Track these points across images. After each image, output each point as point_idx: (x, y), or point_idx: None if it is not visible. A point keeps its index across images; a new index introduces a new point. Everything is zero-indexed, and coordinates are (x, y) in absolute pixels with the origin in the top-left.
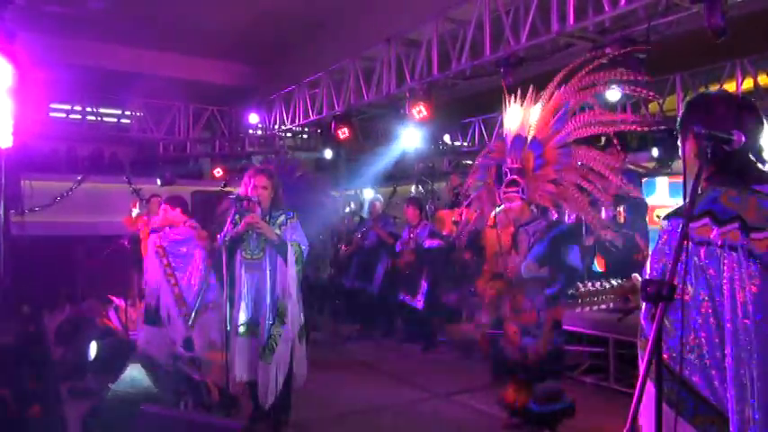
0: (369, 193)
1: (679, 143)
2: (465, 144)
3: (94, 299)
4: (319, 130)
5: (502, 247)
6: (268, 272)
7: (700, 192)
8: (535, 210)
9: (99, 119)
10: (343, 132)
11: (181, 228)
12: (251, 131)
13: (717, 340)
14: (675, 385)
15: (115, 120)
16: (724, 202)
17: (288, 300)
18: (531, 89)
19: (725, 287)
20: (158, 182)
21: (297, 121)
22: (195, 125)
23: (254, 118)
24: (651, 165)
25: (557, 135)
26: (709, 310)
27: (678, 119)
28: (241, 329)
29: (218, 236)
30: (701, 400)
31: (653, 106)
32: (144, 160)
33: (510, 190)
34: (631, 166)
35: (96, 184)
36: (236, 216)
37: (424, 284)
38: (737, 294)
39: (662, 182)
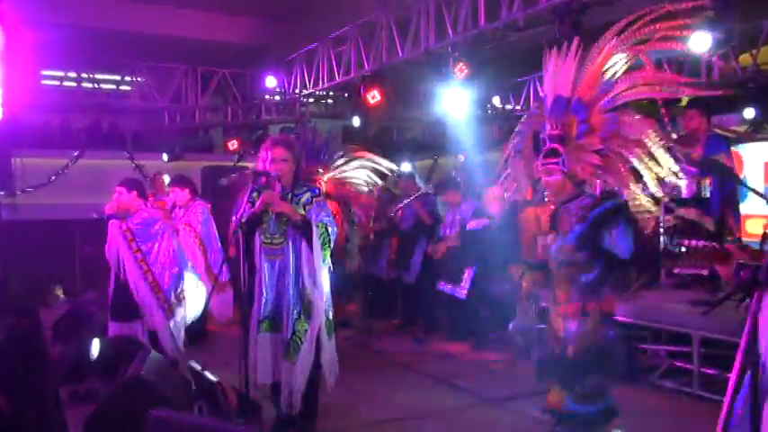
0: (405, 167)
1: None
2: (518, 107)
3: (95, 290)
4: (346, 94)
5: (540, 228)
6: (291, 258)
7: None
8: (584, 185)
9: (96, 86)
10: (374, 96)
11: (146, 210)
12: (268, 97)
13: None
14: None
15: (114, 87)
16: None
17: (314, 291)
18: (576, 41)
19: None
20: (164, 157)
21: (320, 83)
22: (205, 91)
23: (271, 81)
24: (743, 129)
25: (605, 96)
26: None
27: None
28: (263, 325)
29: (233, 217)
30: None
31: (744, 59)
32: (147, 132)
33: (549, 161)
34: (718, 131)
35: (95, 160)
36: (254, 194)
37: (468, 271)
38: None
39: (756, 150)
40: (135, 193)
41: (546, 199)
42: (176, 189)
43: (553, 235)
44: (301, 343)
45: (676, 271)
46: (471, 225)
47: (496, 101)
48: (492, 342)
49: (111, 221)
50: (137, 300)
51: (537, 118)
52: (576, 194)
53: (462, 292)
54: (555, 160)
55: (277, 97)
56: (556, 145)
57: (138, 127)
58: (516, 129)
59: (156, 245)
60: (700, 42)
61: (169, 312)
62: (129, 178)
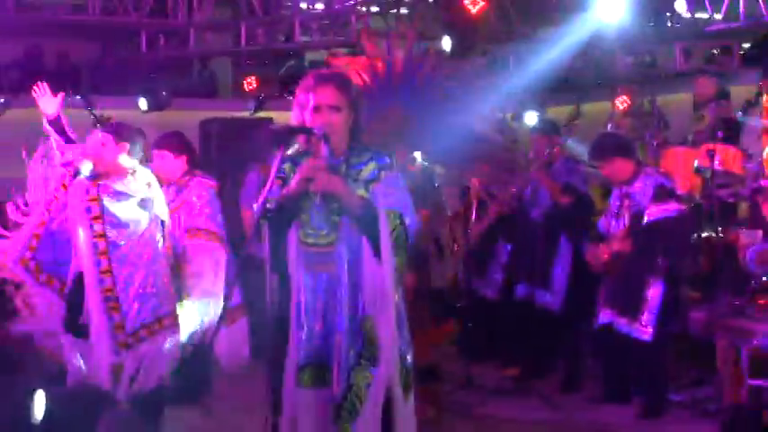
0: (529, 118)
1: None
2: (717, 17)
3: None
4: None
5: None
6: (346, 268)
7: None
8: None
9: None
10: (476, 3)
11: (131, 178)
12: (305, 6)
13: None
14: None
15: None
16: None
17: (380, 318)
18: None
19: None
20: (141, 103)
21: None
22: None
23: None
24: None
25: None
26: None
27: None
28: (302, 375)
29: (254, 202)
30: None
31: None
32: (114, 66)
33: None
34: None
35: (32, 109)
36: (285, 165)
37: (652, 294)
38: None
39: None
40: (126, 146)
41: None
42: (165, 154)
43: None
44: (361, 403)
45: None
46: (652, 213)
47: (681, 6)
48: (675, 407)
49: (76, 179)
50: (85, 310)
51: None
52: None
53: (644, 330)
54: None
55: (319, 6)
56: None
57: (99, 57)
58: None
59: (133, 236)
60: None
61: (121, 347)
62: (122, 124)
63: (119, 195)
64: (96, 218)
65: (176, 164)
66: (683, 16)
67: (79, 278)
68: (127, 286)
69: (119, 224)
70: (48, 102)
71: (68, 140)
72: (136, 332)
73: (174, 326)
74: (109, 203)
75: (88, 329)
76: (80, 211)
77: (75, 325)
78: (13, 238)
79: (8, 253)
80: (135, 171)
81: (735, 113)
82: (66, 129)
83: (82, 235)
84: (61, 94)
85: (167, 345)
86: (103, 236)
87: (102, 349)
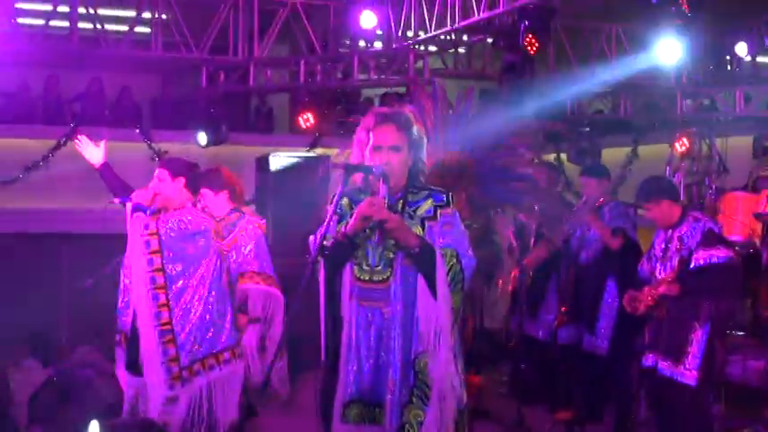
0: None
1: None
2: None
3: (92, 344)
4: (489, 40)
5: None
6: (400, 305)
7: None
8: None
9: (98, 27)
10: (532, 43)
11: (189, 211)
12: (363, 44)
13: None
14: None
15: (125, 28)
16: None
17: (436, 357)
18: None
19: None
20: (200, 138)
21: (447, 23)
22: (263, 35)
23: (369, 19)
24: None
25: None
26: None
27: None
28: (348, 411)
29: (311, 238)
30: None
31: None
32: (174, 100)
33: None
34: None
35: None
36: (343, 201)
37: (697, 339)
38: None
39: None
40: (182, 180)
41: None
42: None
43: None
44: None
45: None
46: (700, 257)
47: (741, 50)
48: None
49: (135, 215)
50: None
51: None
52: None
53: (688, 374)
54: None
55: (377, 45)
56: None
57: (159, 91)
58: None
59: (191, 270)
60: None
61: (175, 380)
62: (177, 159)
63: (177, 229)
64: (155, 252)
65: (218, 199)
66: (743, 60)
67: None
68: (184, 320)
69: (177, 258)
70: (92, 151)
71: (122, 187)
72: (191, 366)
73: (233, 360)
74: (167, 237)
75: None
76: (139, 245)
77: (134, 362)
78: None
79: None
80: (193, 204)
81: None
82: (114, 174)
83: (140, 269)
84: (103, 142)
85: (226, 379)
86: (162, 270)
87: (156, 382)
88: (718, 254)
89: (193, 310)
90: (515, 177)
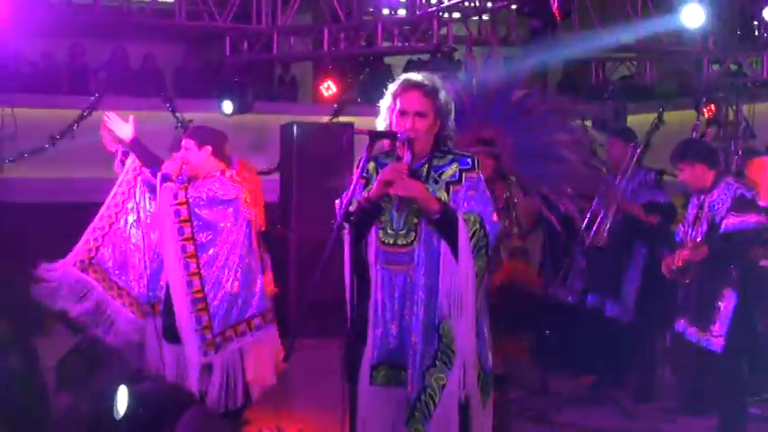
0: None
1: None
2: None
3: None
4: (513, 6)
5: None
6: (423, 270)
7: None
8: None
9: None
10: (561, 9)
11: (218, 179)
12: (387, 12)
13: None
14: None
15: None
16: None
17: (459, 321)
18: None
19: None
20: (225, 106)
21: None
22: (287, 3)
23: None
24: None
25: None
26: None
27: None
28: (376, 373)
29: (336, 203)
30: None
31: None
32: (198, 69)
33: None
34: None
35: (119, 111)
36: (370, 165)
37: (725, 305)
38: None
39: None
40: (209, 149)
41: None
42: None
43: None
44: (435, 404)
45: None
46: (730, 223)
47: None
48: (754, 420)
49: (164, 185)
50: (173, 314)
51: None
52: None
53: (716, 341)
54: None
55: (401, 12)
56: None
57: (183, 60)
58: None
59: (221, 238)
60: None
61: (209, 347)
62: (203, 128)
63: (207, 198)
64: (185, 221)
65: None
66: None
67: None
68: (215, 288)
69: (207, 227)
70: (121, 127)
71: (153, 160)
72: (224, 332)
73: (264, 325)
74: (197, 206)
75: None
76: (169, 215)
77: (170, 330)
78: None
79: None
80: (222, 172)
81: None
82: (147, 150)
83: (170, 238)
84: (132, 117)
85: (259, 343)
86: (192, 239)
87: (191, 350)
88: (749, 219)
89: (224, 278)
90: (554, 158)
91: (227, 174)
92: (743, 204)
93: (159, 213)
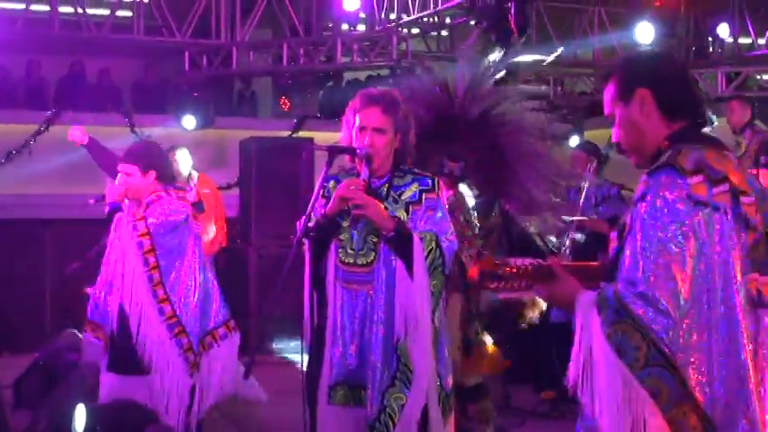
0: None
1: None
2: (760, 42)
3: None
4: (473, 22)
5: None
6: (383, 289)
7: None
8: None
9: (80, 11)
10: (518, 23)
11: (168, 201)
12: (347, 27)
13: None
14: None
15: (107, 12)
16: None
17: (414, 340)
18: None
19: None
20: (186, 122)
21: (431, 4)
22: (245, 18)
23: (351, 2)
24: None
25: None
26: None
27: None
28: (334, 393)
29: (297, 222)
30: None
31: None
32: (156, 83)
33: None
34: None
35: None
36: (330, 183)
37: None
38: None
39: None
40: (154, 174)
41: None
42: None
43: None
44: (394, 424)
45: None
46: None
47: (723, 30)
48: None
49: (118, 216)
50: (140, 344)
51: None
52: None
53: None
54: None
55: (360, 27)
56: None
57: (142, 76)
58: None
59: (180, 259)
60: None
61: (193, 367)
62: (143, 148)
63: (165, 223)
64: (148, 251)
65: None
66: (726, 41)
67: (123, 315)
68: (185, 308)
69: (169, 252)
70: (74, 132)
71: (111, 160)
72: (197, 350)
73: (230, 334)
74: (157, 234)
75: (138, 366)
76: (132, 248)
77: (117, 360)
78: None
79: None
80: (166, 192)
81: None
82: (102, 148)
83: (135, 270)
84: (78, 127)
85: (224, 353)
86: (157, 267)
87: (177, 376)
88: None
89: (190, 297)
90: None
91: (172, 193)
92: None
93: (120, 246)
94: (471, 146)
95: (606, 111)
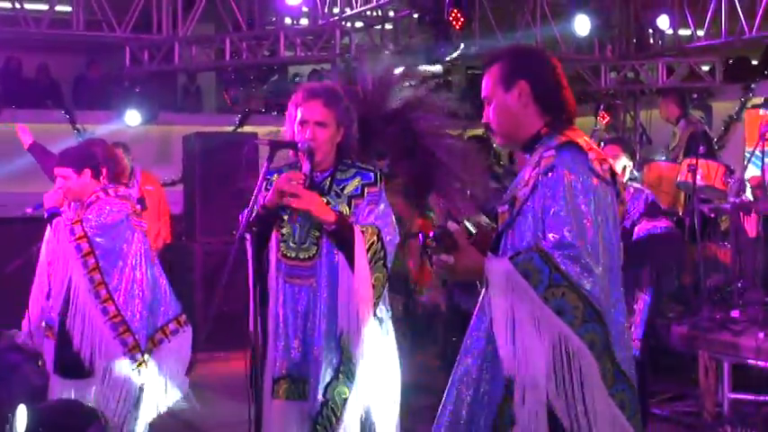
0: None
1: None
2: (699, 33)
3: (14, 329)
4: (415, 16)
5: None
6: (325, 283)
7: None
8: None
9: (16, 6)
10: (456, 17)
11: (106, 201)
12: (289, 22)
13: None
14: None
15: (45, 7)
16: None
17: (356, 335)
18: None
19: None
20: (129, 118)
21: None
22: (187, 13)
23: None
24: None
25: None
26: None
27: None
28: (278, 387)
29: (240, 216)
30: None
31: None
32: (97, 80)
33: None
34: None
35: (12, 123)
36: (273, 177)
37: (639, 305)
38: None
39: None
40: (88, 172)
41: None
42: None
43: None
44: (337, 419)
45: None
46: (643, 228)
47: (663, 22)
48: (658, 420)
49: (56, 221)
50: (85, 347)
51: None
52: None
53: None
54: None
55: (303, 21)
56: None
57: (82, 72)
58: None
59: (122, 258)
60: None
61: (140, 365)
62: (75, 149)
63: (102, 225)
64: (87, 254)
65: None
66: (666, 33)
67: (65, 318)
68: (130, 307)
69: (109, 252)
70: (23, 131)
71: (51, 161)
72: (147, 348)
73: (181, 329)
74: (94, 236)
75: (83, 368)
76: (71, 252)
77: (63, 363)
78: None
79: None
80: (105, 192)
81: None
82: (45, 151)
83: (75, 273)
84: (22, 127)
85: (176, 348)
86: (97, 268)
87: (122, 376)
88: (660, 224)
89: (135, 295)
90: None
91: (111, 192)
92: (655, 210)
93: (58, 250)
94: (391, 139)
95: (484, 93)
